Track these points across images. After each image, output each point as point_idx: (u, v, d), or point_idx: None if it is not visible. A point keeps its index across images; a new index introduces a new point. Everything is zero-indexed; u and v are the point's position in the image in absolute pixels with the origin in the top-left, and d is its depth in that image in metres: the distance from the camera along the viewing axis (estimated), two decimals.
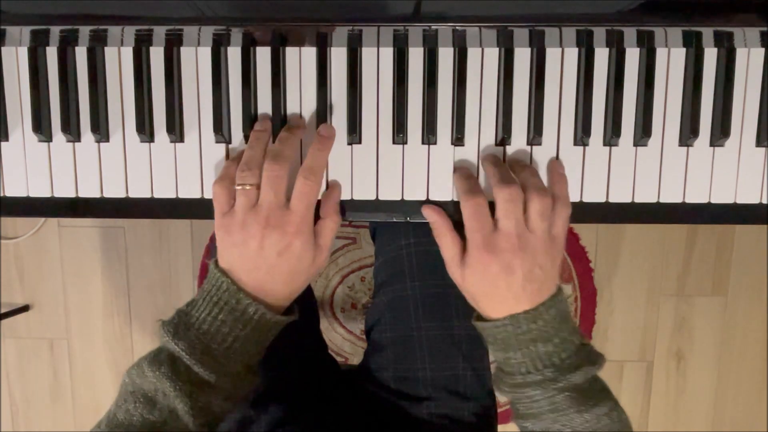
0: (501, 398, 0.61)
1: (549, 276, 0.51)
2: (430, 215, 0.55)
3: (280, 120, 0.56)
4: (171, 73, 0.56)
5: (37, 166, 0.57)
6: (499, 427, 0.74)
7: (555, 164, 0.56)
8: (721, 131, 0.55)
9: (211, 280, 0.53)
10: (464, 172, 0.55)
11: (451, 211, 0.55)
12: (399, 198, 0.57)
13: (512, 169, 0.54)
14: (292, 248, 0.51)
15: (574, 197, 0.56)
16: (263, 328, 0.53)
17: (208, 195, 0.57)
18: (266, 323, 0.53)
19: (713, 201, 0.56)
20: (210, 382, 0.50)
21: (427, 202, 0.56)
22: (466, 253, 0.52)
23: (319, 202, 0.55)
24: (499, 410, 0.71)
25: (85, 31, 0.53)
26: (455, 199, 0.56)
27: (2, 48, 0.56)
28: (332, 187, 0.56)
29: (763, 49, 0.55)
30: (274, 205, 0.51)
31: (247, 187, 0.51)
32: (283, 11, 0.50)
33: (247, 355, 0.53)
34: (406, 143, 0.56)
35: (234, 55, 0.56)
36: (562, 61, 0.55)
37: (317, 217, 0.54)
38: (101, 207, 0.58)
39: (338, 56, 0.55)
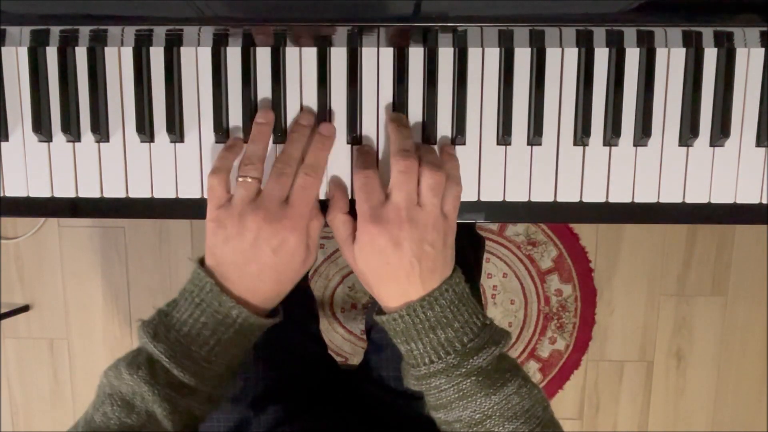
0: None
1: (441, 255, 0.50)
2: (331, 190, 0.55)
3: (281, 120, 0.56)
4: (171, 73, 0.56)
5: (37, 166, 0.57)
6: None
7: (446, 146, 0.55)
8: (721, 131, 0.55)
9: (194, 280, 0.51)
10: (364, 149, 0.55)
11: None
12: None
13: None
14: (287, 245, 0.50)
15: (575, 197, 0.56)
16: (246, 331, 0.51)
17: None
18: (249, 326, 0.51)
19: (713, 201, 0.56)
20: (190, 385, 0.49)
21: None
22: (357, 229, 0.51)
23: None
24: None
25: (85, 31, 0.53)
26: None
27: (2, 48, 0.56)
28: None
29: (763, 49, 0.55)
30: (276, 199, 0.50)
31: (249, 180, 0.51)
32: (283, 11, 0.50)
33: (228, 357, 0.52)
34: None
35: (234, 55, 0.56)
36: (562, 61, 0.55)
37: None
38: (101, 207, 0.58)
39: (338, 56, 0.55)
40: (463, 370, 0.48)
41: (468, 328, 0.49)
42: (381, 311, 0.53)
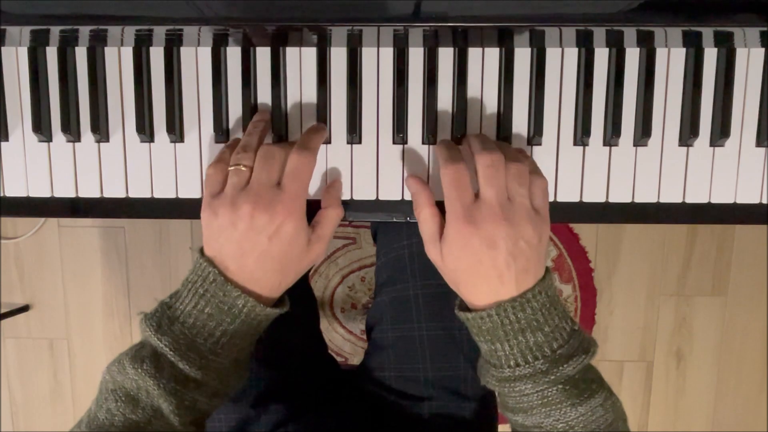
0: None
1: (535, 253, 0.47)
2: (411, 185, 0.53)
3: (281, 120, 0.56)
4: (171, 73, 0.56)
5: (37, 166, 0.57)
6: (500, 427, 0.74)
7: (517, 148, 0.55)
8: (721, 131, 0.55)
9: (197, 270, 0.50)
10: (446, 142, 0.54)
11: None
12: (399, 198, 0.57)
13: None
14: (282, 231, 0.49)
15: (575, 197, 0.56)
16: (252, 321, 0.50)
17: None
18: (256, 316, 0.50)
19: (713, 201, 0.56)
20: (196, 378, 0.48)
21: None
22: (445, 227, 0.49)
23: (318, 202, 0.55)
24: (500, 410, 0.71)
25: (85, 31, 0.53)
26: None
27: (2, 48, 0.56)
28: (333, 180, 0.56)
29: (763, 49, 0.55)
30: (266, 184, 0.49)
31: (242, 168, 0.50)
32: (283, 11, 0.50)
33: (235, 349, 0.51)
34: (406, 143, 0.56)
35: (234, 55, 0.56)
36: (562, 61, 0.55)
37: (318, 207, 0.54)
38: (101, 207, 0.58)
39: (338, 56, 0.55)
40: (552, 377, 0.46)
41: (558, 333, 0.47)
42: (464, 306, 0.51)
